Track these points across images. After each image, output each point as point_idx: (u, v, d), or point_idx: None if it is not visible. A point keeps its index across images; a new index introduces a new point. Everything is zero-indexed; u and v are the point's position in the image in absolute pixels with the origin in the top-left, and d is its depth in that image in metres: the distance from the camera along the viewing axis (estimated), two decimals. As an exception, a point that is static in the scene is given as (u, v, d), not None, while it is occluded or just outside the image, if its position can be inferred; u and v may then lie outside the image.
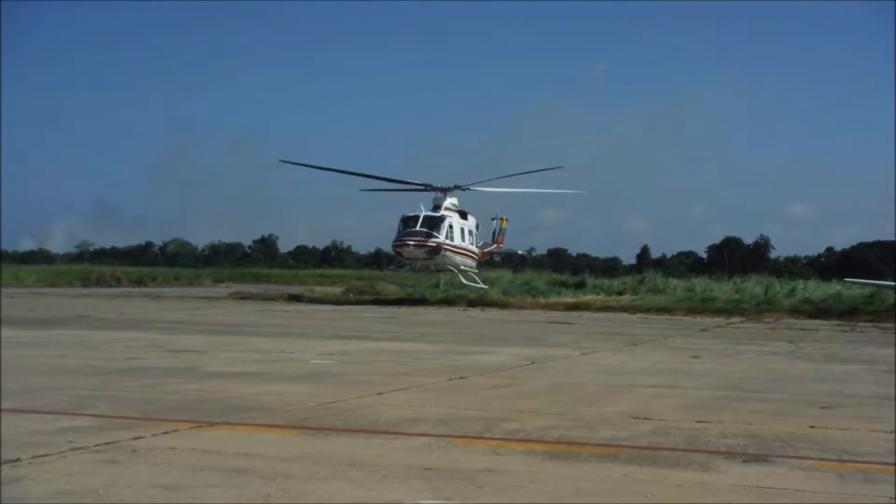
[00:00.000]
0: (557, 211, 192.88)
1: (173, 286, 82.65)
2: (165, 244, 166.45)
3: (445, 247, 50.23)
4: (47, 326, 26.35)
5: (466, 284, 52.86)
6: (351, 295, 57.17)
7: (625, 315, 43.46)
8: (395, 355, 20.04)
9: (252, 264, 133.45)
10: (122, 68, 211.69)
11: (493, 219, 60.53)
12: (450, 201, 52.63)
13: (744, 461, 9.29)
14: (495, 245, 60.60)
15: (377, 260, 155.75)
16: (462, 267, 52.64)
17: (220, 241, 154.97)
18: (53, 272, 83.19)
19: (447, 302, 50.05)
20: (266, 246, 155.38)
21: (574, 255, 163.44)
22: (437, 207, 51.81)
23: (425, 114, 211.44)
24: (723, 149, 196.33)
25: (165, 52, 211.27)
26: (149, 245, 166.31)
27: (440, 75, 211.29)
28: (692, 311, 45.73)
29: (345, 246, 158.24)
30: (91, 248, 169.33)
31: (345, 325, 30.38)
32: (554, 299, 51.73)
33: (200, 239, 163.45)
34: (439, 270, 53.04)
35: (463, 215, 53.22)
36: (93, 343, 21.24)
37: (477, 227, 55.38)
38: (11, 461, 8.46)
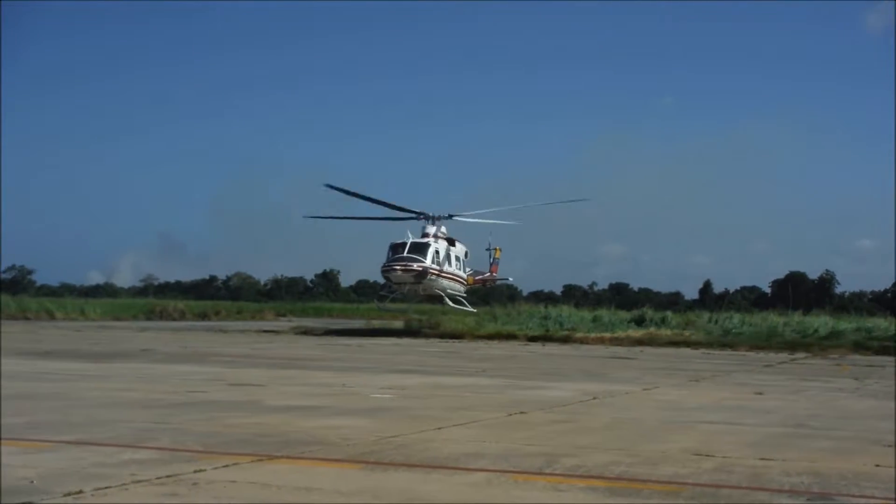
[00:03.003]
0: (620, 245, 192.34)
1: (236, 320, 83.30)
2: (228, 278, 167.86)
3: (431, 271, 53.18)
4: (111, 359, 26.64)
5: (453, 307, 56.25)
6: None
7: (687, 350, 43.13)
8: (454, 390, 20.02)
9: (313, 298, 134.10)
10: (185, 102, 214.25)
11: (487, 249, 64.17)
12: (435, 229, 55.63)
13: (808, 500, 9.15)
14: (489, 273, 63.91)
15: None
16: (449, 290, 55.85)
17: (282, 276, 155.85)
18: (118, 306, 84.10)
19: (508, 336, 50.04)
20: (328, 280, 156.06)
21: (636, 289, 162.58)
22: (425, 235, 54.84)
23: (486, 145, 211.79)
24: (788, 182, 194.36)
25: (231, 84, 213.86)
26: (212, 279, 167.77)
27: (505, 107, 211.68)
28: (756, 347, 45.34)
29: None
30: (155, 283, 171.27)
31: (405, 360, 30.41)
32: (619, 334, 51.47)
33: (263, 273, 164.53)
34: (427, 294, 55.87)
35: (451, 242, 56.31)
36: (155, 376, 21.42)
37: (466, 254, 58.48)
38: (74, 493, 8.55)
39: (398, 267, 52.78)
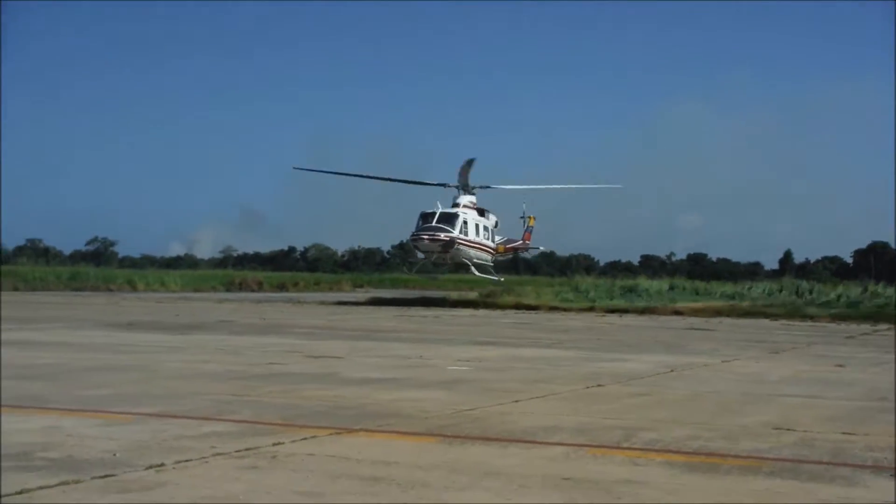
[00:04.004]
0: (698, 215, 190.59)
1: (313, 291, 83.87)
2: (306, 249, 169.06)
3: (459, 241, 54.05)
4: (191, 331, 26.95)
5: (479, 276, 57.71)
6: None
7: (766, 322, 42.62)
8: (532, 362, 19.96)
9: (390, 269, 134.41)
10: (264, 74, 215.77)
11: (521, 217, 65.56)
12: (469, 199, 56.60)
13: (891, 475, 8.99)
14: (521, 241, 65.84)
15: (515, 264, 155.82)
16: (476, 260, 56.82)
17: (359, 247, 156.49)
18: (198, 277, 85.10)
19: (588, 308, 50.01)
20: (405, 251, 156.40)
21: (714, 259, 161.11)
22: (455, 205, 56.00)
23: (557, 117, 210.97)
24: (872, 149, 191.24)
25: (310, 56, 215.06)
26: (291, 250, 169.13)
27: (575, 79, 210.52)
28: (837, 319, 44.73)
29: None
30: (234, 254, 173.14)
31: (482, 331, 30.40)
32: (694, 303, 51.04)
33: (340, 244, 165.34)
34: (454, 262, 56.63)
35: (481, 212, 57.16)
36: (235, 348, 21.63)
37: (496, 224, 59.55)
38: (156, 466, 8.65)
39: (426, 236, 53.93)
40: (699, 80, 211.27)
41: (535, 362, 19.99)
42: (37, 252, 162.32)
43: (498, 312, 47.16)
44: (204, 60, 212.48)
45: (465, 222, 55.18)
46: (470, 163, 57.21)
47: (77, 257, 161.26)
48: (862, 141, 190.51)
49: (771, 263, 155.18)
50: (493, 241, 58.96)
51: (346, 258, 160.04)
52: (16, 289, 67.10)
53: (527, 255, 72.45)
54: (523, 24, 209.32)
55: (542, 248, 75.50)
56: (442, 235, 53.75)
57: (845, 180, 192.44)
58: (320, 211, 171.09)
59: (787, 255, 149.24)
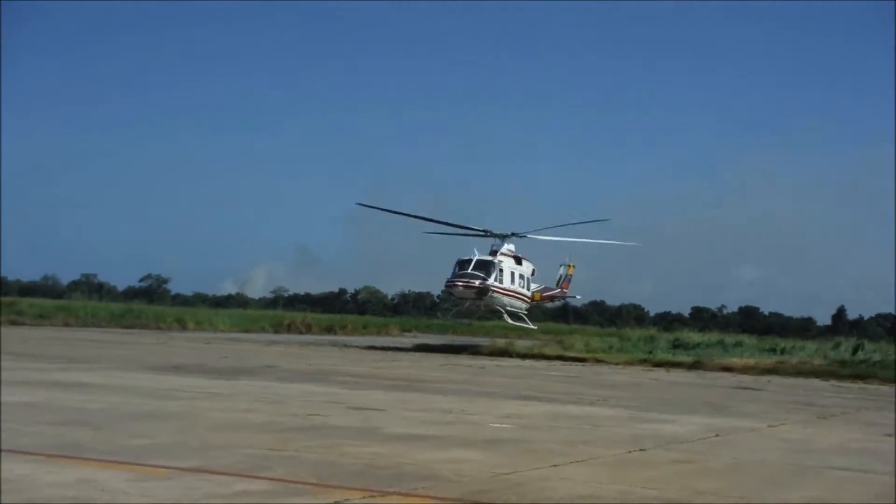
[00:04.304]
0: (751, 267, 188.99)
1: (361, 334, 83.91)
2: (357, 292, 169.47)
3: (493, 289, 54.45)
4: (236, 376, 26.94)
5: (512, 324, 58.14)
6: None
7: (816, 382, 42.05)
8: (574, 421, 19.73)
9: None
10: (324, 113, 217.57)
11: (561, 265, 66.04)
12: (507, 247, 57.12)
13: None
14: (559, 290, 66.30)
15: (564, 313, 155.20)
16: (509, 308, 57.13)
17: (409, 291, 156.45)
18: (248, 317, 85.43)
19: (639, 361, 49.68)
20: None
21: (766, 314, 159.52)
22: (493, 252, 56.53)
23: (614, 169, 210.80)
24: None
25: (367, 102, 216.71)
26: (341, 292, 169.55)
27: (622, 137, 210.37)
28: (889, 381, 44.05)
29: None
30: (285, 294, 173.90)
31: (526, 385, 30.15)
32: (744, 361, 50.46)
33: (391, 287, 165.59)
34: (488, 310, 57.26)
35: (518, 260, 57.78)
36: (277, 396, 21.56)
37: (533, 272, 59.91)
38: (185, 528, 8.56)
39: (460, 283, 54.47)
40: (762, 132, 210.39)
41: (579, 421, 19.75)
42: (91, 287, 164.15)
43: (544, 363, 46.87)
44: (270, 98, 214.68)
45: (501, 270, 55.75)
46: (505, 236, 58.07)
47: (130, 294, 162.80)
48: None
49: (824, 319, 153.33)
50: (528, 288, 59.38)
51: (395, 301, 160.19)
52: (67, 324, 67.75)
53: (557, 304, 73.78)
54: (582, 73, 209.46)
55: (578, 296, 75.54)
56: (477, 283, 54.26)
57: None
58: (373, 254, 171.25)
59: (841, 312, 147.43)
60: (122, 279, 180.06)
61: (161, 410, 17.57)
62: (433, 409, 20.62)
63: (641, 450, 15.54)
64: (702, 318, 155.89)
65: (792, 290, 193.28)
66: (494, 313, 58.45)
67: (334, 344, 58.59)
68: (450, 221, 60.36)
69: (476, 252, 56.10)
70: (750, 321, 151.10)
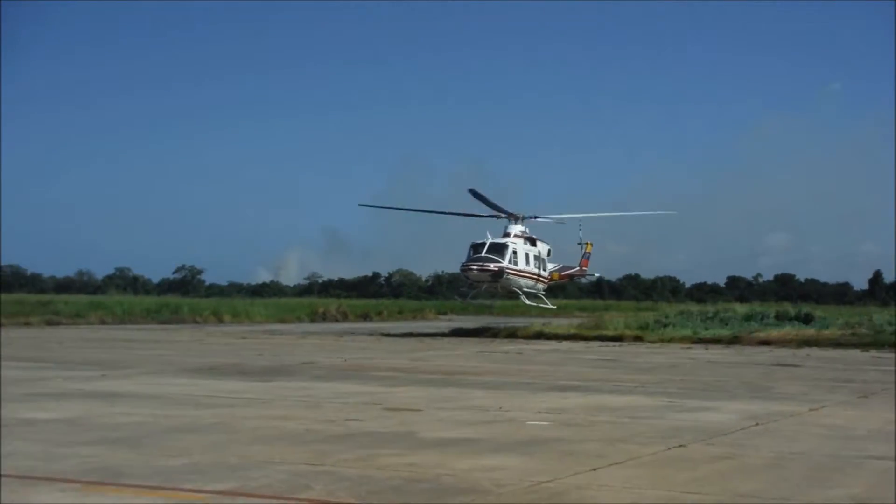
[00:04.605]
0: (786, 234, 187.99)
1: (397, 320, 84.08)
2: (390, 275, 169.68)
3: (508, 271, 55.68)
4: (272, 377, 26.98)
5: (530, 304, 59.56)
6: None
7: (856, 353, 41.82)
8: (613, 413, 19.63)
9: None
10: (352, 98, 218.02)
11: (578, 243, 66.45)
12: (519, 228, 58.54)
13: None
14: (578, 268, 67.28)
15: (599, 289, 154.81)
16: (525, 289, 58.25)
17: (443, 272, 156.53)
18: (283, 307, 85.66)
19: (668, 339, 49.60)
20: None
21: (802, 280, 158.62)
22: (506, 234, 57.67)
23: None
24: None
25: (400, 81, 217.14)
26: (375, 276, 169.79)
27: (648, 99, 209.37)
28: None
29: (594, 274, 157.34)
30: (319, 280, 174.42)
31: (564, 372, 30.05)
32: (782, 332, 50.19)
33: (424, 269, 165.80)
34: (505, 292, 58.66)
35: (532, 241, 59.15)
36: (315, 398, 21.55)
37: (549, 252, 61.10)
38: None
39: (475, 267, 55.46)
40: (787, 95, 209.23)
41: (617, 413, 19.66)
42: (125, 281, 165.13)
43: (581, 345, 46.78)
44: (293, 84, 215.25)
45: (515, 252, 56.57)
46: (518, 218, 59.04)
47: (165, 286, 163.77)
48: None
49: (860, 283, 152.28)
50: (544, 269, 60.15)
51: (430, 283, 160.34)
52: (103, 322, 68.17)
53: (584, 280, 74.95)
54: (601, 54, 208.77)
55: (597, 274, 76.81)
56: (491, 266, 55.14)
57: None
58: (404, 236, 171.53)
59: (877, 275, 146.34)
60: (156, 272, 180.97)
61: (198, 422, 17.58)
62: (470, 406, 20.56)
63: (681, 446, 15.42)
64: (737, 288, 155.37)
65: (827, 255, 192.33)
66: (511, 295, 59.53)
67: (370, 333, 58.71)
68: (456, 211, 61.62)
69: (489, 235, 57.01)
70: (786, 289, 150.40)
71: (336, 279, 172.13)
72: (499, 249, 55.90)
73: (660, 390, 24.53)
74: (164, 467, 13.04)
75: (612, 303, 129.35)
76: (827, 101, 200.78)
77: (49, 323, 64.40)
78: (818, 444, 15.81)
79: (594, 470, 13.18)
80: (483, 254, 55.59)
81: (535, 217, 60.25)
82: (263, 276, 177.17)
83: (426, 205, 63.46)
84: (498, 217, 59.12)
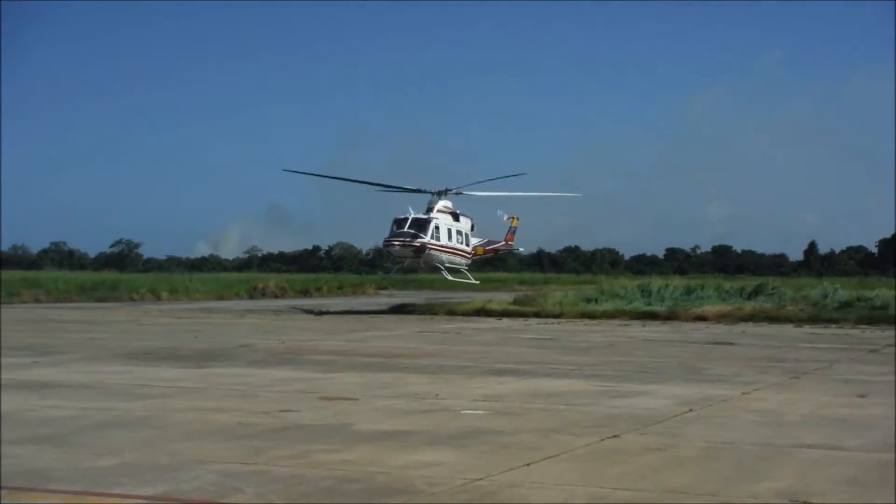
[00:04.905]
0: (725, 204, 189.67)
1: (337, 295, 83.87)
2: (331, 248, 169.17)
3: (430, 246, 56.29)
4: (207, 362, 26.79)
5: (452, 280, 59.95)
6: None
7: (790, 329, 42.42)
8: (548, 400, 19.71)
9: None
10: (298, 72, 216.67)
11: (506, 218, 67.36)
12: (442, 203, 58.90)
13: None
14: (503, 243, 68.29)
15: (540, 261, 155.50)
16: (448, 264, 58.88)
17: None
18: (222, 283, 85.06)
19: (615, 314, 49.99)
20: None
21: (739, 251, 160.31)
22: (429, 209, 58.09)
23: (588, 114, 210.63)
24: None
25: (343, 56, 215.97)
26: (315, 249, 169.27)
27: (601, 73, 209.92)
28: (861, 321, 44.56)
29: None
30: (259, 254, 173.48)
31: (502, 354, 30.13)
32: (717, 308, 50.61)
33: (365, 243, 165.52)
34: (428, 267, 59.17)
35: (455, 217, 59.75)
36: (250, 388, 21.42)
37: (472, 227, 61.79)
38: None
39: (397, 242, 56.03)
40: (725, 65, 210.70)
41: (553, 400, 19.75)
42: (61, 255, 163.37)
43: (520, 323, 46.96)
44: (233, 58, 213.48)
45: (437, 227, 57.17)
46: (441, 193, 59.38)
47: (102, 260, 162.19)
48: (889, 130, 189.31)
49: (796, 255, 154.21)
50: (467, 244, 60.88)
51: (370, 256, 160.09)
52: (37, 300, 67.30)
53: (511, 253, 77.58)
54: (547, 23, 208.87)
55: (521, 248, 78.51)
56: (415, 242, 55.71)
57: (872, 169, 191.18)
58: (345, 209, 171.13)
59: (812, 246, 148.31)
60: (93, 245, 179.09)
61: (129, 416, 17.40)
62: (406, 394, 20.55)
63: (615, 436, 15.51)
64: (676, 259, 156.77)
65: (764, 226, 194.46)
66: (434, 269, 59.98)
67: (309, 311, 58.51)
68: (384, 183, 61.91)
69: (411, 210, 57.55)
70: (723, 260, 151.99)
71: (276, 253, 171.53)
72: (421, 225, 56.51)
73: (596, 373, 24.69)
74: (92, 469, 12.89)
75: (552, 275, 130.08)
76: (769, 69, 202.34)
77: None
78: (749, 433, 15.97)
79: (527, 465, 13.22)
80: (405, 229, 56.20)
81: (459, 192, 60.82)
82: (203, 250, 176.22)
83: (370, 177, 62.85)
84: (421, 192, 59.92)
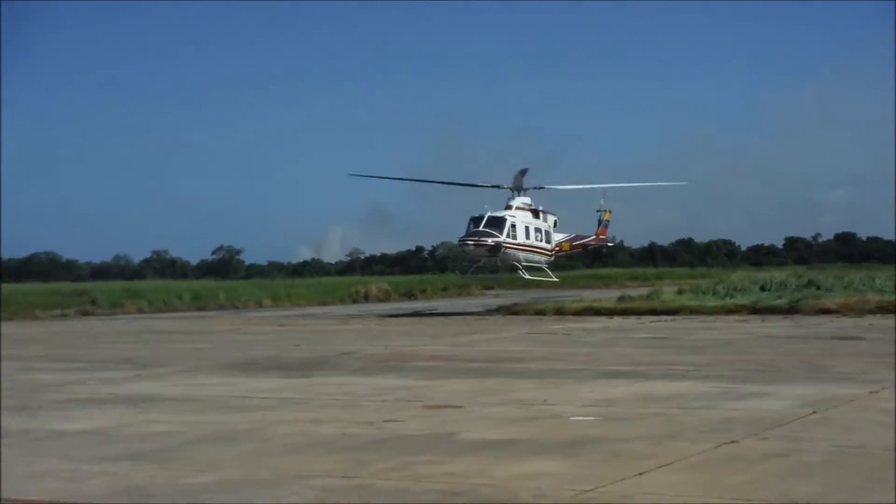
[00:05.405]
0: (846, 190, 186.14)
1: (442, 297, 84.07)
2: (434, 248, 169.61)
3: (506, 245, 56.37)
4: (310, 371, 26.94)
5: (529, 279, 60.65)
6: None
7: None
8: (662, 404, 19.41)
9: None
10: (393, 69, 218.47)
11: (597, 210, 67.65)
12: (521, 200, 59.45)
13: None
14: (593, 237, 67.97)
15: (652, 255, 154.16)
16: (525, 262, 59.00)
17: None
18: (324, 288, 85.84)
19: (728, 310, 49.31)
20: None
21: (864, 238, 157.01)
22: (508, 207, 58.48)
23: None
24: None
25: (435, 53, 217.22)
26: (418, 250, 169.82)
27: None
28: None
29: (615, 241, 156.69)
30: (361, 256, 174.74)
31: (614, 355, 29.82)
32: (843, 300, 49.56)
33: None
34: (505, 266, 59.24)
35: (535, 214, 60.05)
36: (353, 397, 21.48)
37: (555, 224, 62.09)
38: None
39: (471, 242, 56.51)
40: (843, 45, 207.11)
41: (667, 404, 19.43)
42: (163, 264, 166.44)
43: (632, 321, 46.48)
44: (329, 51, 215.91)
45: (513, 226, 57.33)
46: (524, 172, 60.24)
47: (203, 268, 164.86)
48: None
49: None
50: (548, 241, 60.84)
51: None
52: (141, 311, 68.61)
53: (604, 249, 76.63)
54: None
55: (610, 243, 78.99)
56: (489, 240, 56.02)
57: None
58: (445, 208, 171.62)
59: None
60: (195, 253, 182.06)
61: (230, 429, 17.54)
62: (513, 400, 20.41)
63: (733, 442, 15.18)
64: (796, 249, 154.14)
65: (891, 211, 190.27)
66: (513, 269, 60.15)
67: (415, 313, 58.74)
68: (454, 181, 62.82)
69: (487, 209, 57.79)
70: (847, 248, 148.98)
71: (379, 255, 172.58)
72: (497, 223, 56.70)
73: (712, 374, 24.27)
74: (192, 485, 13.00)
75: (664, 270, 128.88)
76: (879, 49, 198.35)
77: (84, 314, 64.91)
78: (876, 437, 15.47)
79: (640, 475, 13.00)
80: (481, 228, 56.40)
81: (540, 188, 61.12)
82: (305, 255, 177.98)
83: (465, 177, 62.95)
84: (500, 188, 60.26)
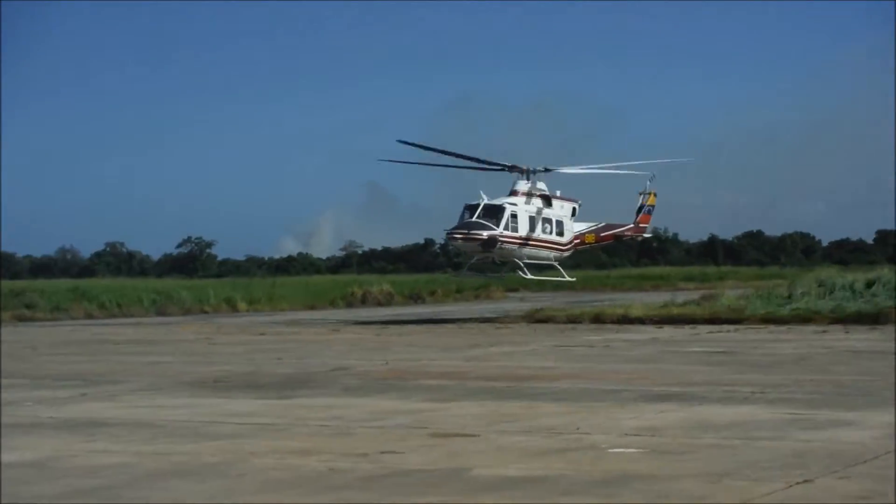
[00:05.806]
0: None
1: (456, 301, 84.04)
2: (446, 241, 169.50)
3: (503, 239, 55.65)
4: (293, 391, 27.04)
5: (533, 278, 61.02)
6: None
7: None
8: (720, 433, 19.44)
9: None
10: (401, 47, 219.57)
11: (640, 193, 66.20)
12: (528, 186, 58.76)
13: None
14: (630, 225, 66.15)
15: (712, 250, 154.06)
16: (527, 259, 58.82)
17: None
18: (312, 289, 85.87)
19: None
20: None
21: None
22: (513, 192, 58.05)
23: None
24: None
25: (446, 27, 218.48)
26: (428, 243, 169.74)
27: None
28: None
29: (668, 234, 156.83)
30: (359, 251, 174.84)
31: (661, 372, 29.87)
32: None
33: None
34: (504, 263, 59.36)
35: (547, 200, 59.30)
36: (344, 423, 21.57)
37: (574, 211, 61.45)
38: None
39: (459, 235, 55.89)
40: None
41: (726, 433, 19.46)
42: (118, 259, 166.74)
43: (685, 332, 46.51)
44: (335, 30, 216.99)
45: (514, 215, 56.43)
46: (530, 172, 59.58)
47: (167, 264, 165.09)
48: None
49: None
50: (561, 233, 60.12)
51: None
52: (90, 316, 68.77)
53: (639, 239, 73.63)
54: None
55: (647, 234, 75.39)
56: (482, 233, 55.27)
57: None
58: (462, 193, 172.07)
59: None
60: (156, 246, 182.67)
61: (195, 461, 17.63)
62: (539, 428, 20.46)
63: (806, 481, 15.20)
64: (888, 244, 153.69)
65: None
66: (515, 267, 60.01)
67: (420, 321, 58.81)
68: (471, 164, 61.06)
69: (484, 196, 57.03)
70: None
71: (380, 249, 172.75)
72: (494, 213, 56.08)
73: (782, 397, 24.32)
74: (152, 530, 13.08)
75: (728, 268, 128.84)
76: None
77: (21, 319, 65.01)
78: (983, 474, 15.54)
79: (692, 524, 13.05)
80: (473, 219, 55.77)
81: (547, 170, 60.49)
82: (290, 248, 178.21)
83: (479, 150, 62.42)
84: (511, 170, 59.62)
